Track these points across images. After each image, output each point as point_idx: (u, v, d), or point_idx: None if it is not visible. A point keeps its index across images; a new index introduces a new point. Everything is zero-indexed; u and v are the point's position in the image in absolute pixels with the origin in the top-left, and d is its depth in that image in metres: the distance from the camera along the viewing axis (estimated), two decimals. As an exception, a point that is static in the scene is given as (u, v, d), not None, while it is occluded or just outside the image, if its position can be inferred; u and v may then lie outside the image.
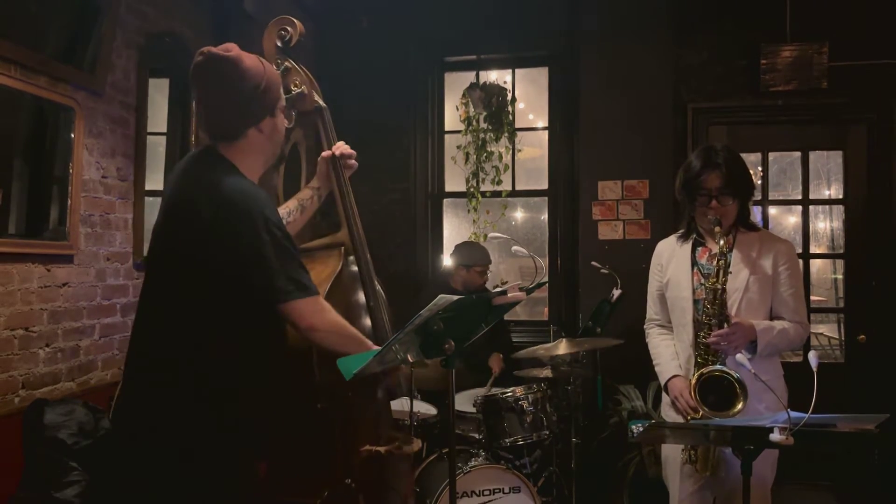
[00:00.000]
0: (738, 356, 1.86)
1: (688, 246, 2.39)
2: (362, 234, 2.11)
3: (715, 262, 2.22)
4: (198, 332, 1.70)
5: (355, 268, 2.12)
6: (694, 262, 2.36)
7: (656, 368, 2.46)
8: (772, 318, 2.30)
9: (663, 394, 2.44)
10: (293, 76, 2.08)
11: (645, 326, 2.58)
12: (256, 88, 1.75)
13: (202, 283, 1.70)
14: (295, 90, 2.07)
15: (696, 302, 2.31)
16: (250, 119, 1.78)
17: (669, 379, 2.36)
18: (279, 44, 2.07)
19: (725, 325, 2.19)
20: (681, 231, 2.45)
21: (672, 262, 2.42)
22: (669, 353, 2.41)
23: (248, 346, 1.74)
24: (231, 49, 1.75)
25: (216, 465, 1.70)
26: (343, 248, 2.15)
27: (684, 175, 2.34)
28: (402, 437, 2.14)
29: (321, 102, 2.12)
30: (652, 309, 2.54)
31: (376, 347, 1.85)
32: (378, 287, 2.13)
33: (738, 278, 2.26)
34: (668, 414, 2.42)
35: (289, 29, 2.06)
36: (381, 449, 1.99)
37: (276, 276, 1.68)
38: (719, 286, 2.19)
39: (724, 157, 2.28)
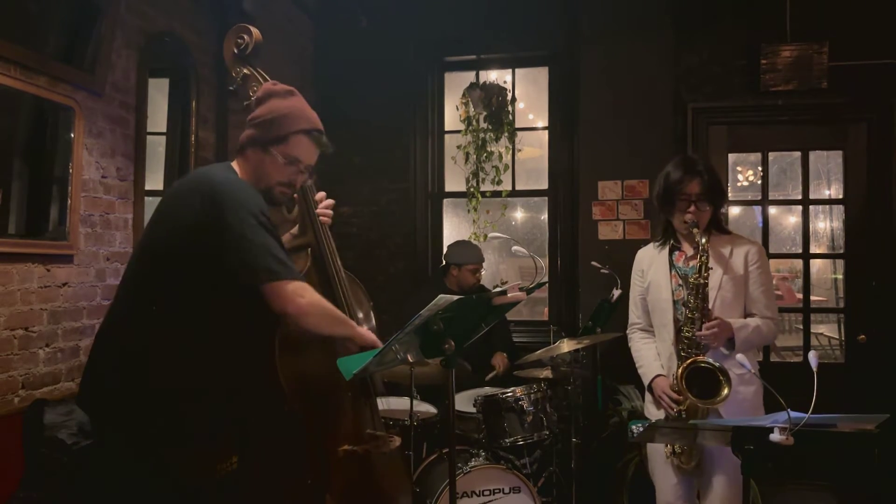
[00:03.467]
0: (739, 356, 1.87)
1: (665, 251, 2.56)
2: (329, 236, 2.15)
3: (697, 259, 2.35)
4: (169, 326, 1.74)
5: (324, 267, 2.15)
6: (672, 266, 2.52)
7: (640, 370, 2.58)
8: (745, 316, 2.44)
9: (646, 392, 2.58)
10: (251, 83, 2.10)
11: (627, 331, 2.70)
12: (257, 118, 1.90)
13: (181, 272, 1.74)
14: (253, 96, 2.07)
15: (675, 303, 2.46)
16: (246, 142, 1.93)
17: (653, 378, 2.49)
18: (236, 51, 2.10)
19: (705, 321, 2.33)
20: (658, 238, 2.62)
21: (652, 267, 2.57)
22: (652, 354, 2.54)
23: (218, 343, 1.77)
24: (274, 86, 1.96)
25: (178, 462, 1.73)
26: (310, 249, 2.18)
27: (664, 182, 2.49)
28: (381, 437, 2.14)
29: None
30: (634, 313, 2.66)
31: (358, 327, 1.89)
32: (347, 286, 2.16)
33: (713, 278, 2.38)
34: (651, 411, 2.55)
35: (245, 37, 2.09)
36: (359, 448, 2.00)
37: (262, 256, 1.71)
38: (702, 281, 2.33)
39: (703, 167, 2.46)
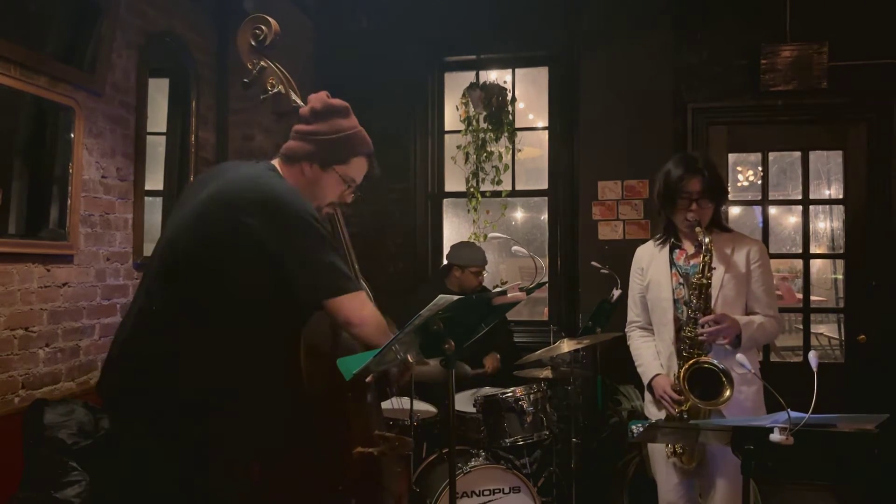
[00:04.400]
0: (739, 356, 1.87)
1: (666, 249, 2.53)
2: (348, 241, 2.13)
3: (701, 259, 2.33)
4: (203, 332, 1.70)
5: None
6: (672, 264, 2.49)
7: (639, 369, 2.57)
8: (746, 314, 2.42)
9: (646, 392, 2.57)
10: (269, 76, 2.04)
11: (626, 329, 2.69)
12: (319, 134, 1.87)
13: (226, 278, 1.70)
14: (271, 90, 2.04)
15: (675, 301, 2.44)
16: (304, 155, 1.88)
17: (653, 378, 2.47)
18: (253, 43, 2.03)
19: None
20: (658, 236, 2.59)
21: (652, 265, 2.55)
22: (651, 353, 2.53)
23: (250, 349, 1.73)
24: (337, 102, 1.92)
25: (208, 466, 1.70)
26: None
27: (665, 180, 2.46)
28: (394, 438, 2.13)
29: (300, 102, 2.07)
30: (633, 311, 2.65)
31: None
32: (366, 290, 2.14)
33: (714, 276, 2.37)
34: (651, 411, 2.54)
35: (263, 28, 2.01)
36: (374, 450, 1.99)
37: (326, 273, 1.70)
38: (705, 281, 2.32)
39: (703, 163, 2.43)
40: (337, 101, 1.93)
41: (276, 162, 1.91)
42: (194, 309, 1.71)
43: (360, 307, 1.74)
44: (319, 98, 1.92)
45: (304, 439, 1.90)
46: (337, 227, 2.12)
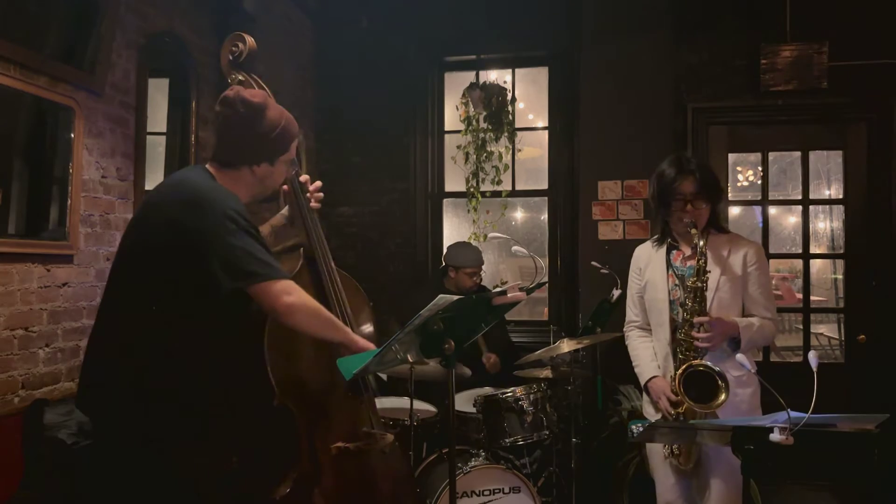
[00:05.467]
0: (739, 356, 1.87)
1: (663, 250, 2.53)
2: (322, 235, 2.18)
3: (696, 262, 2.32)
4: (157, 327, 1.75)
5: (316, 267, 2.18)
6: (669, 265, 2.49)
7: (636, 369, 2.57)
8: (743, 316, 2.41)
9: (643, 393, 2.57)
10: (246, 88, 2.13)
11: (625, 329, 2.69)
12: (267, 135, 1.89)
13: (165, 275, 1.75)
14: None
15: (671, 302, 2.44)
16: (250, 159, 1.92)
17: (649, 379, 2.48)
18: (230, 58, 2.17)
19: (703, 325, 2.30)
20: (656, 236, 2.59)
21: (649, 265, 2.55)
22: (649, 354, 2.53)
23: (207, 342, 1.78)
24: (256, 96, 1.92)
25: (177, 460, 1.74)
26: (303, 248, 2.21)
27: (658, 182, 2.46)
28: (376, 435, 2.14)
29: None
30: (632, 311, 2.65)
31: (352, 334, 1.90)
32: (340, 286, 2.18)
33: (710, 278, 2.36)
34: (648, 411, 2.54)
35: (239, 45, 2.16)
36: (351, 445, 2.01)
37: (246, 260, 1.72)
38: (700, 284, 2.30)
39: (696, 164, 2.44)
40: (258, 98, 1.92)
41: (208, 165, 1.95)
42: (145, 308, 1.76)
43: (282, 293, 1.75)
44: (240, 100, 1.89)
45: (271, 432, 1.93)
46: (311, 231, 2.16)
